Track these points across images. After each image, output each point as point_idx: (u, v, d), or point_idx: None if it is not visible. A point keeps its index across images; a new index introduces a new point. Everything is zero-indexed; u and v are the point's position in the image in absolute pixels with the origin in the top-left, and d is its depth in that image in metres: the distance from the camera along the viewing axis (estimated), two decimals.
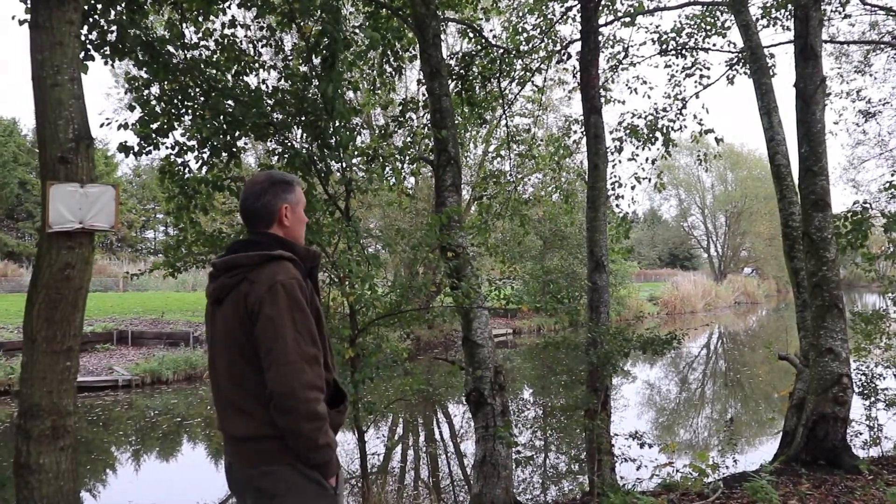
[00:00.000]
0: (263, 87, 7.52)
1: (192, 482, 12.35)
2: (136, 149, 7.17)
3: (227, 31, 7.58)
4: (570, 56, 12.76)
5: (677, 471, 8.19)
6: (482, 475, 7.71)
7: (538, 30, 12.45)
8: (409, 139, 10.60)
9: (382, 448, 14.50)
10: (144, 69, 6.93)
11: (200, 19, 7.43)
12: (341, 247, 7.20)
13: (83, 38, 6.28)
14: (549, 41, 12.86)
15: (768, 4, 13.48)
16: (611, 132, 13.58)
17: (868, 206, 9.15)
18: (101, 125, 7.54)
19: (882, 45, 16.66)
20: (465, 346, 8.13)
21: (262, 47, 7.92)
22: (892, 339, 10.09)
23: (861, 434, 10.01)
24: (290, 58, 8.01)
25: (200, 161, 7.33)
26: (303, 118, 7.17)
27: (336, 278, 6.95)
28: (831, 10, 14.64)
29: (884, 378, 10.47)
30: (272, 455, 2.80)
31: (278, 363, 2.69)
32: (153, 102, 7.17)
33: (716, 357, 30.53)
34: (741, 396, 20.88)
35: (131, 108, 7.20)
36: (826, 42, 16.27)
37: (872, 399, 10.30)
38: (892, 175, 9.70)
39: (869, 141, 20.07)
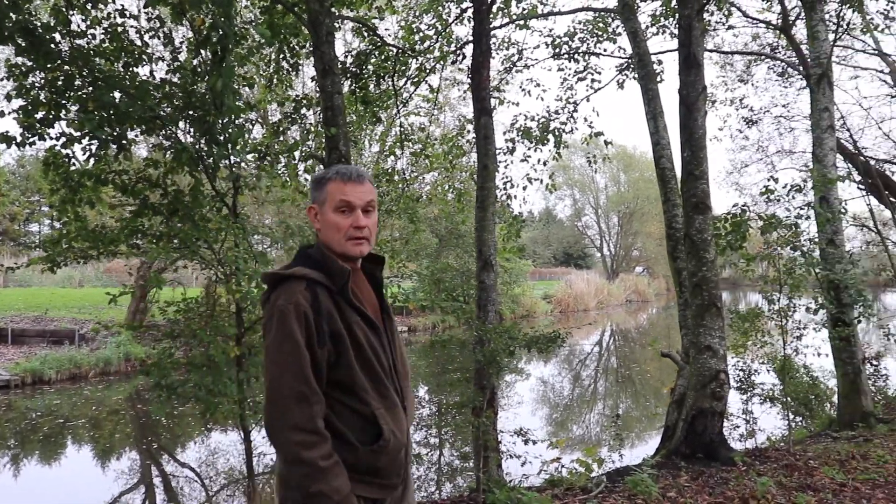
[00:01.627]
0: (152, 79, 7.34)
1: (75, 488, 11.97)
2: (19, 139, 6.90)
3: (116, 21, 7.36)
4: (464, 57, 12.90)
5: (563, 466, 8.39)
6: None
7: (433, 30, 12.53)
8: (302, 136, 10.55)
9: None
10: (25, 56, 6.67)
11: (88, 6, 7.21)
12: (228, 244, 7.10)
13: None
14: (444, 41, 12.97)
15: (657, 13, 13.90)
16: (504, 133, 13.81)
17: (746, 208, 9.52)
18: None
19: (762, 57, 17.35)
20: None
21: (150, 38, 7.73)
22: (767, 337, 10.51)
23: (738, 427, 10.43)
24: (179, 50, 7.86)
25: (88, 153, 7.10)
26: (191, 112, 7.04)
27: (222, 276, 6.86)
28: (716, 21, 15.20)
29: (759, 373, 10.93)
30: (285, 485, 2.56)
31: (265, 399, 2.49)
32: (36, 91, 6.91)
33: (608, 354, 31.22)
34: (631, 392, 21.42)
35: (8, 98, 6.91)
36: (711, 51, 16.90)
37: (749, 394, 10.74)
38: (769, 180, 10.11)
39: (751, 146, 20.89)
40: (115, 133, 6.83)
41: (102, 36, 7.22)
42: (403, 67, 12.48)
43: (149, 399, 16.26)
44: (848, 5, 11.14)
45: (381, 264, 2.97)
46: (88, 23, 7.21)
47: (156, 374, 6.67)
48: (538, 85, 14.37)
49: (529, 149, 13.68)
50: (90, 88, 6.77)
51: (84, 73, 6.78)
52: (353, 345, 2.59)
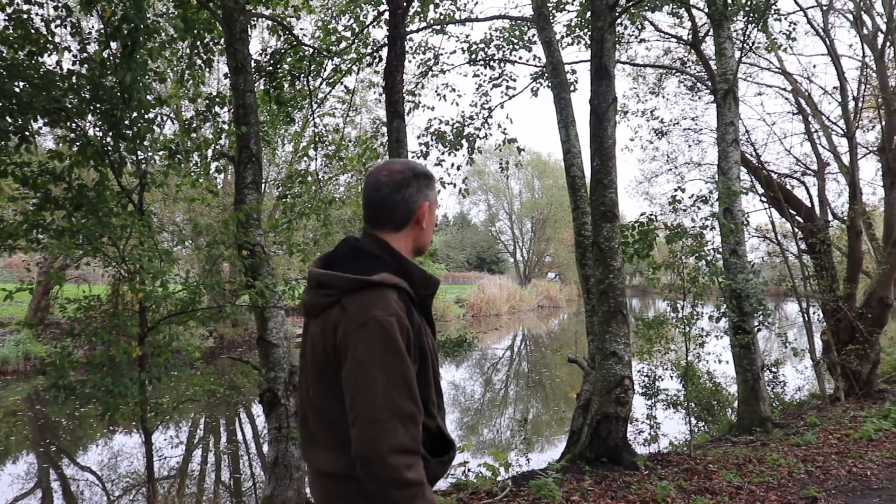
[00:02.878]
0: (58, 70, 7.12)
1: None
2: None
3: (21, 7, 7.11)
4: (380, 59, 12.86)
5: (470, 470, 8.44)
6: (274, 476, 7.66)
7: (350, 32, 12.47)
8: (214, 134, 10.37)
9: (182, 450, 14.11)
10: None
11: None
12: (133, 241, 6.94)
13: None
14: (361, 44, 12.92)
15: (572, 24, 14.11)
16: (418, 137, 13.83)
17: (653, 217, 9.73)
18: None
19: (673, 70, 17.77)
20: (261, 346, 8.05)
21: (56, 28, 7.49)
22: (671, 343, 10.76)
23: (643, 432, 10.66)
24: (87, 41, 7.64)
25: None
26: (98, 105, 6.86)
27: (126, 274, 6.70)
28: (629, 34, 15.51)
29: (663, 379, 11.18)
30: (356, 499, 2.35)
31: (363, 419, 2.23)
32: None
33: (519, 359, 31.45)
34: (541, 397, 21.64)
35: None
36: (624, 63, 17.26)
37: (653, 399, 10.99)
38: (676, 190, 10.34)
39: (661, 157, 21.38)
40: (17, 123, 6.60)
41: (5, 22, 6.98)
42: (319, 68, 12.38)
43: (47, 400, 15.78)
44: (754, 25, 11.49)
45: None
46: None
47: (53, 374, 6.46)
48: (453, 90, 14.45)
49: (443, 153, 13.73)
50: None
51: None
52: (424, 360, 2.45)
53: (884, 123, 15.02)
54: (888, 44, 15.17)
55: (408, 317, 2.37)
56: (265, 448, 12.99)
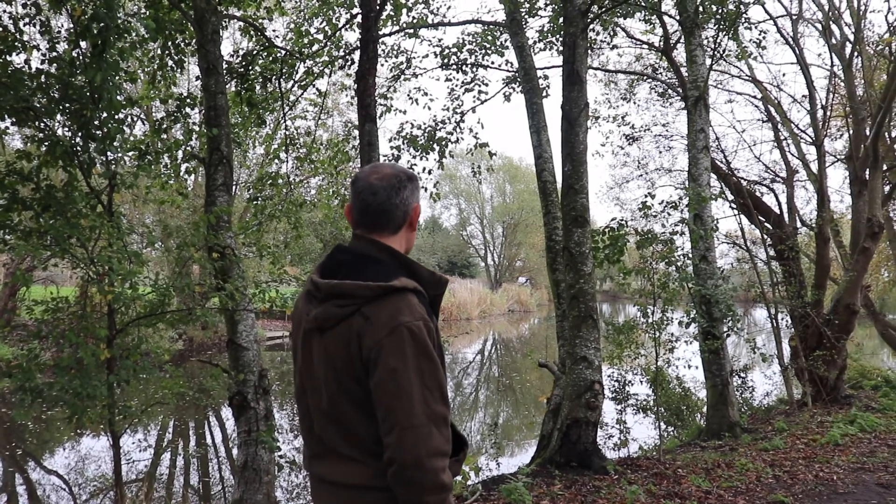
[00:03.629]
0: (27, 68, 7.03)
1: None
2: None
3: None
4: (353, 62, 12.83)
5: None
6: (244, 480, 7.61)
7: (323, 34, 12.43)
8: (184, 136, 10.31)
9: (151, 453, 13.99)
10: None
11: None
12: (102, 243, 6.86)
13: None
14: (334, 46, 12.89)
15: (544, 29, 14.16)
16: (390, 140, 13.81)
17: (624, 223, 9.77)
18: None
19: (645, 77, 17.89)
20: (230, 349, 7.99)
21: (25, 26, 7.40)
22: (641, 349, 10.81)
23: (613, 436, 10.69)
24: (56, 40, 7.55)
25: None
26: (68, 105, 6.79)
27: (95, 275, 6.63)
28: (601, 40, 15.59)
29: (633, 384, 11.23)
30: None
31: (402, 426, 2.22)
32: None
33: (489, 363, 31.48)
34: (512, 401, 21.67)
35: None
36: (596, 69, 17.34)
37: (623, 404, 11.03)
38: (646, 196, 10.40)
39: (632, 163, 21.49)
40: None
41: None
42: (291, 70, 12.33)
43: (13, 403, 15.57)
44: (724, 33, 11.59)
45: None
46: None
47: (19, 376, 6.38)
48: (426, 94, 14.43)
49: (415, 157, 13.74)
50: None
51: None
52: (442, 358, 2.44)
53: (851, 132, 15.22)
54: (856, 54, 15.36)
55: (430, 319, 2.39)
56: (234, 452, 12.95)
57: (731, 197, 16.31)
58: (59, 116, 7.04)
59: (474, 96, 14.43)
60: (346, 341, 2.34)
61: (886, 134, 14.80)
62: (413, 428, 2.21)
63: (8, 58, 6.86)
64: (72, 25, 6.87)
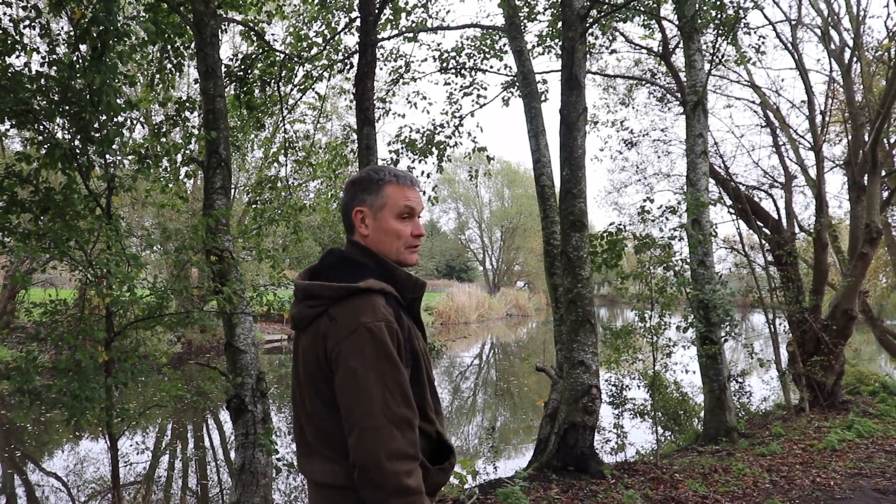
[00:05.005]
0: (27, 71, 7.04)
1: None
2: None
3: None
4: (352, 66, 12.84)
5: None
6: (241, 483, 7.61)
7: (322, 38, 12.44)
8: (183, 139, 10.32)
9: (149, 456, 13.98)
10: None
11: None
12: (100, 246, 6.87)
13: None
14: (332, 50, 12.90)
15: (543, 34, 14.17)
16: (389, 144, 13.83)
17: (622, 227, 9.77)
18: None
19: (643, 82, 17.91)
20: (228, 352, 7.99)
21: (24, 28, 7.40)
22: (639, 353, 10.82)
23: (610, 441, 10.71)
24: (56, 43, 7.55)
25: None
26: (67, 108, 6.79)
27: (93, 278, 6.63)
28: (600, 45, 15.61)
29: (630, 389, 11.23)
30: None
31: (360, 427, 2.24)
32: None
33: (487, 367, 31.47)
34: (510, 405, 21.65)
35: None
36: (595, 74, 17.36)
37: (621, 408, 11.03)
38: (645, 201, 10.42)
39: (630, 168, 21.51)
40: None
41: None
42: (290, 74, 12.34)
43: (12, 405, 15.57)
44: (723, 38, 11.60)
45: None
46: None
47: (18, 378, 6.38)
48: (424, 98, 14.45)
49: (413, 161, 13.75)
50: None
51: None
52: (417, 363, 2.45)
53: (850, 137, 15.22)
54: (855, 59, 15.38)
55: (397, 321, 2.38)
56: (232, 454, 12.97)
57: (729, 202, 16.34)
58: (58, 119, 7.03)
59: (473, 100, 14.44)
60: (314, 342, 2.40)
61: (885, 139, 14.78)
62: (372, 429, 2.22)
63: (8, 60, 6.88)
64: (71, 28, 6.87)
